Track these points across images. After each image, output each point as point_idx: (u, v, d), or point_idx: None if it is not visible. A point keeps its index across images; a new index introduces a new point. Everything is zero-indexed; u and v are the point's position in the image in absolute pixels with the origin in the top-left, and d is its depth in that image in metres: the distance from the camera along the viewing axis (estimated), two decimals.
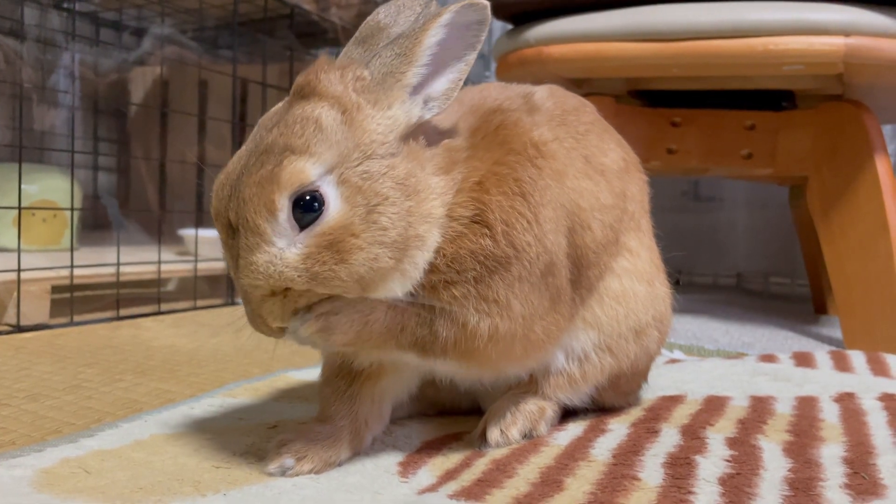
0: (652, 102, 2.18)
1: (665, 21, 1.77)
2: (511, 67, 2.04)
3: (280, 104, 0.83)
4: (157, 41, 2.52)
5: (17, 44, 2.11)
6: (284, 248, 0.74)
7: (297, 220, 0.74)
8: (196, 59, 2.57)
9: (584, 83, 2.11)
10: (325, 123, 0.75)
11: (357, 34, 0.89)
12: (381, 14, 0.89)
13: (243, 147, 0.80)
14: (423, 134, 0.83)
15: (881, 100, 2.01)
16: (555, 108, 0.98)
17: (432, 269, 0.80)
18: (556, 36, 1.91)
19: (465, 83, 0.83)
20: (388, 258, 0.76)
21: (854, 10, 1.64)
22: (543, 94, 1.00)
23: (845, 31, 1.64)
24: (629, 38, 1.81)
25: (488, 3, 0.78)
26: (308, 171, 0.73)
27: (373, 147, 0.77)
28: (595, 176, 0.95)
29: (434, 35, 0.78)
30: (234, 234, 0.76)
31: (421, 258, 0.79)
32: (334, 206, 0.74)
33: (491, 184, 0.83)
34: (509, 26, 2.12)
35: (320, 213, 0.74)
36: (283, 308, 0.76)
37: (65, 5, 2.33)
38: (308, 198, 0.73)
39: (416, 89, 0.80)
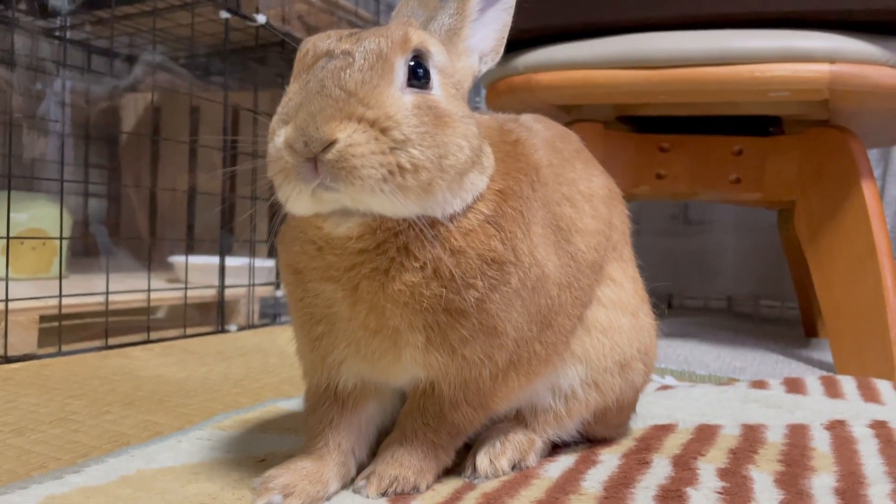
0: (640, 128, 2.20)
1: (652, 49, 1.79)
2: (500, 94, 2.06)
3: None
4: (148, 68, 2.52)
5: (8, 72, 2.12)
6: (400, 91, 0.76)
7: (408, 75, 0.78)
8: (187, 87, 2.58)
9: (572, 109, 2.13)
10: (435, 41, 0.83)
11: (396, 12, 0.98)
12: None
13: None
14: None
15: (866, 125, 2.03)
16: (545, 132, 1.01)
17: (437, 275, 0.79)
18: (545, 63, 1.93)
19: None
20: (468, 153, 0.79)
21: (839, 38, 1.67)
22: (529, 118, 1.04)
23: (830, 59, 1.66)
24: (617, 66, 1.83)
25: None
26: (429, 43, 0.80)
27: (458, 85, 0.84)
28: (580, 203, 0.97)
29: None
30: (336, 57, 0.76)
31: (477, 183, 0.82)
32: (437, 90, 0.80)
33: (507, 195, 0.85)
34: None
35: (426, 84, 0.79)
36: (353, 133, 0.71)
37: (56, 33, 2.34)
38: (420, 60, 0.79)
39: (472, 45, 0.89)
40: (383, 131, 0.72)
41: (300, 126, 0.72)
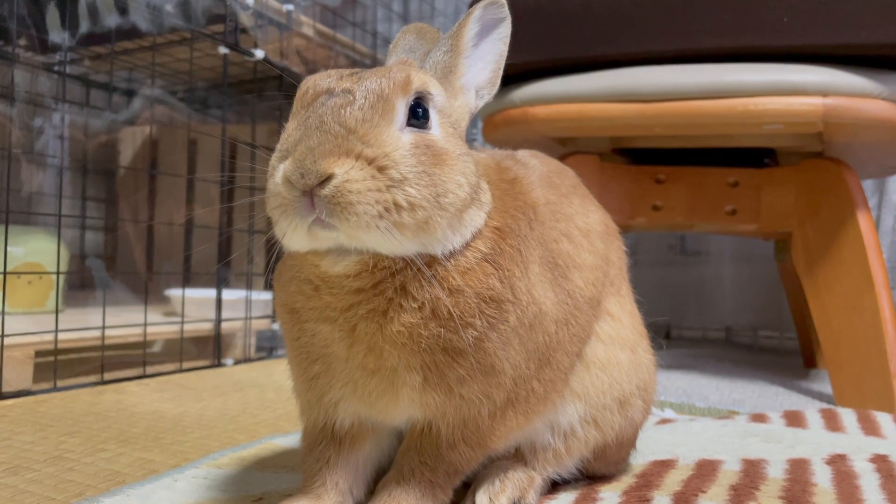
0: (636, 160, 2.21)
1: (647, 82, 1.81)
2: (497, 127, 2.07)
3: None
4: (146, 102, 2.54)
5: (7, 107, 2.13)
6: (399, 131, 0.77)
7: (408, 114, 0.79)
8: (185, 120, 2.59)
9: (568, 142, 2.14)
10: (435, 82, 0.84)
11: (392, 48, 0.99)
12: (405, 33, 1.00)
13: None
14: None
15: (861, 156, 2.04)
16: (541, 167, 1.01)
17: (435, 315, 0.79)
18: (541, 97, 1.94)
19: None
20: (466, 191, 0.80)
21: (831, 72, 1.69)
22: (527, 154, 1.04)
23: (823, 92, 1.68)
24: (612, 99, 1.85)
25: (505, 2, 0.88)
26: (430, 84, 0.81)
27: (456, 125, 0.86)
28: (577, 238, 0.97)
29: (471, 29, 0.88)
30: (335, 96, 0.77)
31: (476, 220, 0.82)
32: (436, 130, 0.81)
33: (505, 233, 0.86)
34: None
35: (425, 123, 0.79)
36: (350, 170, 0.71)
37: (55, 68, 2.36)
38: (421, 101, 0.80)
39: (467, 81, 0.89)
40: (381, 169, 0.73)
41: (298, 159, 0.72)
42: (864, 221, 1.83)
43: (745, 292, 3.14)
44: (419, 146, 0.76)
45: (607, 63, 1.88)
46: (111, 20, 2.12)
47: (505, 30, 0.89)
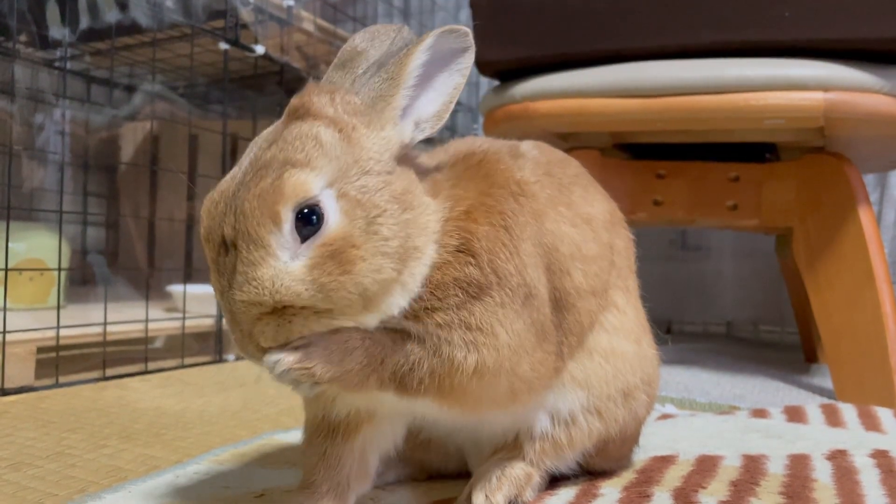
0: (637, 155, 2.21)
1: (648, 77, 1.80)
2: (498, 122, 2.07)
3: (272, 126, 0.83)
4: (147, 98, 2.54)
5: (8, 103, 2.13)
6: (289, 261, 0.73)
7: (297, 232, 0.73)
8: (186, 116, 2.59)
9: (569, 137, 2.14)
10: (325, 139, 0.76)
11: (336, 60, 0.91)
12: (357, 40, 0.92)
13: (236, 166, 0.80)
14: (413, 166, 0.85)
15: (862, 151, 2.04)
16: (540, 157, 0.99)
17: (416, 297, 0.80)
18: (542, 92, 1.94)
19: (453, 136, 0.85)
20: (390, 269, 0.76)
21: (832, 66, 1.68)
22: (529, 145, 1.02)
23: (824, 87, 1.67)
24: (613, 94, 1.85)
25: (468, 30, 0.81)
26: (310, 183, 0.73)
27: (370, 164, 0.78)
28: (580, 225, 0.96)
29: (418, 58, 0.80)
30: (227, 252, 0.75)
31: (419, 271, 0.79)
32: (334, 218, 0.74)
33: (479, 214, 0.84)
34: (496, 82, 2.15)
35: (319, 226, 0.73)
36: (277, 329, 0.74)
37: (56, 64, 2.36)
38: (307, 210, 0.73)
39: (406, 111, 0.82)
40: (282, 312, 0.74)
41: (239, 346, 0.77)
42: (865, 216, 1.83)
43: (746, 287, 3.14)
44: (319, 260, 0.73)
45: (608, 58, 1.88)
46: (111, 16, 2.12)
47: (465, 61, 0.83)
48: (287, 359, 0.74)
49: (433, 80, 0.83)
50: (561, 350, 0.92)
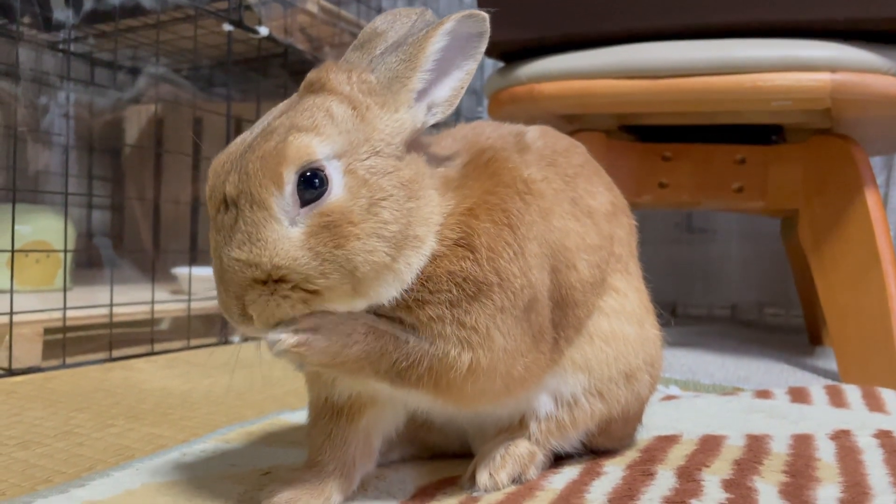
0: (643, 137, 2.20)
1: (654, 58, 1.79)
2: (503, 104, 2.06)
3: (287, 100, 0.83)
4: (151, 80, 2.54)
5: (12, 85, 2.13)
6: (288, 226, 0.74)
7: (299, 196, 0.74)
8: (190, 98, 2.59)
9: (575, 119, 2.13)
10: (336, 112, 0.77)
11: (356, 41, 0.91)
12: (378, 21, 0.92)
13: (247, 132, 0.80)
14: (425, 154, 0.85)
15: (869, 133, 2.03)
16: (545, 149, 0.98)
17: (406, 289, 0.80)
18: (547, 73, 1.93)
19: (458, 119, 0.84)
20: (384, 253, 0.75)
21: (840, 47, 1.67)
22: (535, 134, 1.01)
23: (832, 68, 1.66)
24: (619, 76, 1.84)
25: (487, 15, 0.80)
26: (314, 147, 0.73)
27: (381, 145, 0.78)
28: (582, 218, 0.96)
29: (437, 42, 0.80)
30: (227, 210, 0.75)
31: (416, 260, 0.79)
32: (337, 190, 0.74)
33: (481, 211, 0.83)
34: (501, 64, 2.14)
35: (322, 193, 0.74)
36: (266, 303, 0.74)
37: (60, 47, 2.36)
38: (309, 174, 0.73)
39: (420, 95, 0.82)
40: (280, 281, 0.74)
41: (223, 306, 0.77)
42: (871, 198, 1.82)
43: (752, 270, 3.14)
44: (315, 229, 0.73)
45: (614, 39, 1.87)
46: None
47: (481, 45, 0.82)
48: (288, 340, 0.75)
49: (449, 65, 0.82)
50: (558, 345, 0.93)
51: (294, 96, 0.83)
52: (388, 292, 0.79)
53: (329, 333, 0.77)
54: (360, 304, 0.79)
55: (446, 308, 0.80)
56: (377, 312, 0.81)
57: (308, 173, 0.73)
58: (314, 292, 0.75)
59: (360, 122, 0.78)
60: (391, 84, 0.81)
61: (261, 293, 0.74)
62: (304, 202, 0.74)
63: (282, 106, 0.82)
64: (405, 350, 0.81)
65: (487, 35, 0.82)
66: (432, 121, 0.83)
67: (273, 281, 0.74)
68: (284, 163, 0.72)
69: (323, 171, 0.74)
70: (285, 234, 0.73)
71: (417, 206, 0.79)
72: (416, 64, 0.80)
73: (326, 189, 0.74)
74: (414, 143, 0.83)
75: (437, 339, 0.80)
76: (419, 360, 0.81)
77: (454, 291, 0.80)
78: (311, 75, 0.82)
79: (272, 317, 0.75)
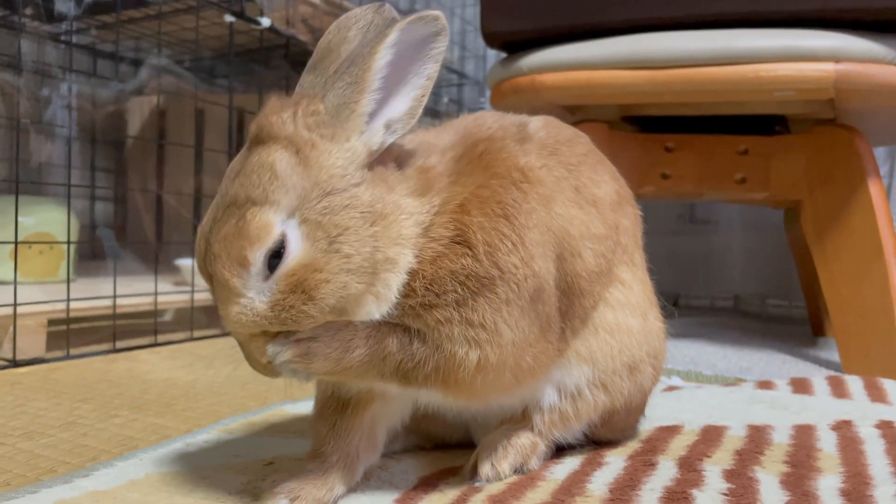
0: (645, 128, 2.19)
1: (656, 49, 1.79)
2: (505, 95, 2.06)
3: (241, 152, 0.82)
4: (153, 72, 2.53)
5: (15, 77, 2.13)
6: (254, 298, 0.76)
7: (267, 267, 0.75)
8: (192, 90, 2.58)
9: (577, 110, 2.13)
10: (280, 169, 0.75)
11: (311, 60, 0.88)
12: (330, 34, 0.88)
13: (216, 198, 0.81)
14: (394, 158, 0.84)
15: (873, 123, 2.02)
16: (547, 139, 0.97)
17: (410, 292, 0.80)
18: (549, 64, 1.93)
19: (460, 110, 0.82)
20: (356, 284, 0.76)
21: (843, 37, 1.66)
22: (538, 124, 1.00)
23: (835, 58, 1.66)
24: (621, 66, 1.83)
25: (439, 14, 0.77)
26: (272, 222, 0.74)
27: (332, 182, 0.76)
28: (586, 206, 0.95)
29: (382, 57, 0.76)
30: (212, 281, 0.78)
31: (394, 280, 0.79)
32: (295, 246, 0.75)
33: (472, 206, 0.82)
34: (503, 55, 2.14)
35: (283, 256, 0.75)
36: (269, 348, 0.79)
37: (62, 38, 2.35)
38: (273, 247, 0.75)
39: (374, 116, 0.79)
40: (265, 332, 0.78)
41: (248, 362, 0.82)
42: (874, 189, 1.82)
43: (754, 261, 3.13)
44: (284, 293, 0.75)
45: (617, 29, 1.86)
46: None
47: (439, 45, 0.78)
48: (287, 352, 0.77)
49: (405, 75, 0.79)
50: (564, 335, 0.93)
51: (245, 147, 0.81)
52: (374, 311, 0.80)
53: (329, 341, 0.79)
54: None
55: (453, 309, 0.80)
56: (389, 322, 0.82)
57: (271, 248, 0.75)
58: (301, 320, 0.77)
59: (305, 167, 0.76)
60: (339, 112, 0.77)
61: (260, 340, 0.79)
62: (272, 268, 0.75)
63: (236, 162, 0.81)
64: (409, 351, 0.81)
65: (446, 33, 0.78)
66: (392, 139, 0.80)
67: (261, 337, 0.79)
68: (248, 245, 0.74)
69: (283, 238, 0.75)
70: (250, 307, 0.76)
71: (384, 227, 0.78)
72: (363, 86, 0.76)
73: (287, 252, 0.75)
74: (383, 155, 0.81)
75: (445, 342, 0.81)
76: (425, 361, 0.81)
77: (459, 290, 0.80)
78: (254, 123, 0.81)
79: (283, 353, 0.78)
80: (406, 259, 0.80)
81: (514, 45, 2.05)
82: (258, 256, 0.74)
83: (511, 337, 0.82)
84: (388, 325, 0.81)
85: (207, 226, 0.79)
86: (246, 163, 0.78)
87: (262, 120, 0.80)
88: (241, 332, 0.78)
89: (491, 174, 0.85)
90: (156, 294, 2.05)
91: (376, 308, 0.79)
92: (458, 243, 0.81)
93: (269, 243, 0.74)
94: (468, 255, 0.80)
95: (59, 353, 1.79)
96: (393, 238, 0.79)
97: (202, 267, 0.79)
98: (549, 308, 0.88)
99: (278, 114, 0.79)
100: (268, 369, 0.80)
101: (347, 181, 0.77)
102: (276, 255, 0.75)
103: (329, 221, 0.75)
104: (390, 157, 0.83)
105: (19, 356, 1.71)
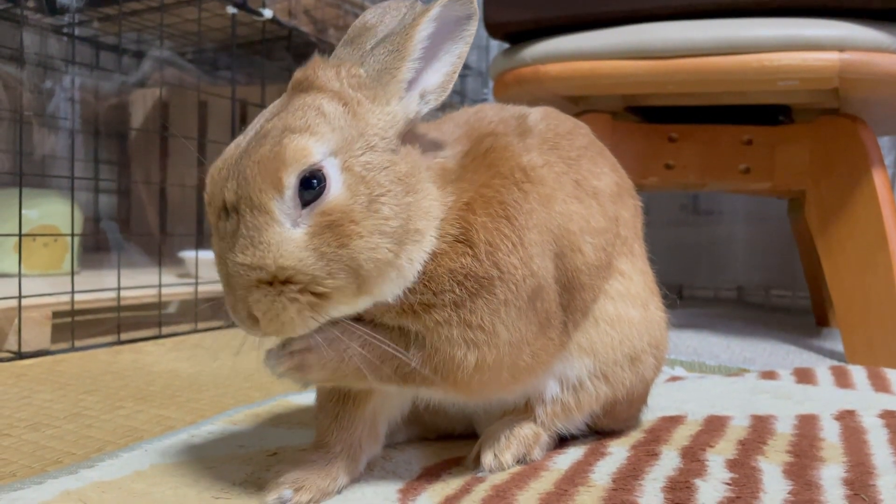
0: (649, 118, 2.19)
1: (660, 38, 1.78)
2: (508, 86, 2.05)
3: (278, 100, 0.83)
4: (156, 64, 2.53)
5: (17, 70, 2.13)
6: (291, 228, 0.74)
7: (299, 197, 0.73)
8: (195, 82, 2.58)
9: (580, 100, 2.12)
10: (327, 110, 0.77)
11: (346, 36, 0.91)
12: (367, 15, 0.91)
13: (241, 135, 0.80)
14: (420, 144, 0.85)
15: (877, 113, 2.01)
16: (547, 132, 0.98)
17: (411, 287, 0.80)
18: (553, 55, 1.92)
19: (463, 101, 0.84)
20: (387, 249, 0.76)
21: (848, 26, 1.65)
22: (537, 116, 1.00)
23: (839, 47, 1.65)
24: (624, 56, 1.83)
25: None
26: (311, 147, 0.73)
27: (375, 140, 0.78)
28: (586, 199, 0.95)
29: (424, 29, 0.79)
30: (228, 216, 0.75)
31: (417, 255, 0.80)
32: (336, 188, 0.74)
33: (478, 205, 0.83)
34: (506, 45, 2.13)
35: (321, 193, 0.74)
36: (272, 303, 0.74)
37: (64, 30, 2.35)
38: (309, 175, 0.73)
39: (411, 84, 0.82)
40: (286, 282, 0.73)
41: (231, 309, 0.77)
42: (879, 179, 1.82)
43: (758, 251, 3.13)
44: (318, 229, 0.73)
45: (620, 19, 1.85)
46: None
47: (470, 27, 0.81)
48: (285, 363, 0.78)
49: (439, 51, 0.82)
50: (566, 328, 0.93)
51: (283, 96, 0.82)
52: (391, 289, 0.79)
53: (324, 351, 0.79)
54: (364, 304, 0.80)
55: (451, 310, 0.80)
56: (381, 323, 0.82)
57: (308, 175, 0.73)
58: (322, 295, 0.75)
59: (352, 118, 0.78)
60: (381, 76, 0.80)
61: (266, 293, 0.74)
62: (305, 203, 0.74)
63: (272, 107, 0.81)
64: (407, 355, 0.82)
65: (476, 17, 0.81)
66: (426, 109, 0.83)
67: (280, 282, 0.74)
68: (283, 167, 0.72)
69: (321, 170, 0.74)
70: (288, 236, 0.73)
71: (416, 200, 0.79)
72: (405, 53, 0.79)
73: (325, 188, 0.74)
74: (409, 135, 0.83)
75: (444, 344, 0.81)
76: (423, 363, 0.82)
77: (457, 291, 0.80)
78: (299, 74, 0.82)
79: (277, 318, 0.75)
80: (431, 236, 0.81)
81: (517, 35, 2.04)
82: (293, 180, 0.72)
83: (507, 337, 0.83)
84: (384, 330, 0.82)
85: (233, 156, 0.77)
86: (288, 105, 0.78)
87: (309, 71, 0.81)
88: (257, 270, 0.73)
89: (494, 173, 0.86)
90: (160, 286, 2.05)
91: (395, 284, 0.79)
92: (461, 242, 0.81)
93: (304, 166, 0.72)
94: (469, 254, 0.81)
95: (63, 345, 1.80)
96: (424, 211, 0.80)
97: (217, 195, 0.76)
98: (549, 304, 0.88)
99: (324, 69, 0.81)
100: (254, 324, 0.76)
101: (387, 144, 0.79)
102: (308, 187, 0.73)
103: (372, 179, 0.76)
104: (417, 141, 0.84)
105: (24, 348, 1.71)
